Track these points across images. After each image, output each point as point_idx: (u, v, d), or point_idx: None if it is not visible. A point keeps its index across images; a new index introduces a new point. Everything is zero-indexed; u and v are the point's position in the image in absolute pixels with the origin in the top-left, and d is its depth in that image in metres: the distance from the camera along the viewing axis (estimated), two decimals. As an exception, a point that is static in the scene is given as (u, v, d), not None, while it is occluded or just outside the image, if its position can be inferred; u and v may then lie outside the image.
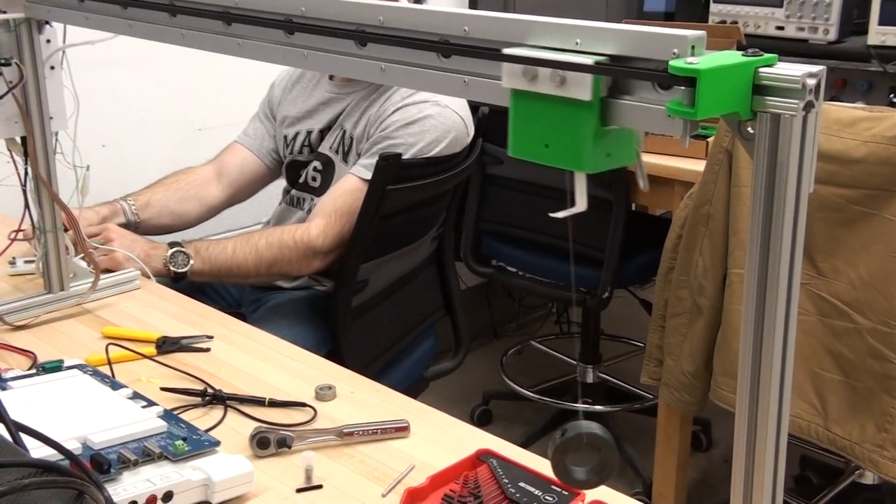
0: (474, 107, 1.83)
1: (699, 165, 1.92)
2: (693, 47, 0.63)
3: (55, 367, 1.12)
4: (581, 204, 0.68)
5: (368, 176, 1.66)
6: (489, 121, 1.85)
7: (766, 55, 0.64)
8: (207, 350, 1.27)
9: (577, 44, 0.67)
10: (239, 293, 1.88)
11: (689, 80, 0.61)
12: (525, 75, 0.68)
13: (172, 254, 1.60)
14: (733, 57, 0.63)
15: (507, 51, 0.70)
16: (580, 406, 2.64)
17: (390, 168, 1.61)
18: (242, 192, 1.96)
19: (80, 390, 1.06)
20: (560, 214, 0.69)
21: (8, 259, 1.50)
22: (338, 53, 0.86)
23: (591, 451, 0.79)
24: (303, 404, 1.12)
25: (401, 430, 1.06)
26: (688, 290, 1.87)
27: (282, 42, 0.91)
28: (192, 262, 1.60)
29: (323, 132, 1.84)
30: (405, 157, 1.65)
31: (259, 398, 1.13)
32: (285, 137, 1.91)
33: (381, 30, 0.81)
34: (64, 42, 1.34)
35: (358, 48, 0.84)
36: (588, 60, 0.66)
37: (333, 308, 1.69)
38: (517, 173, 2.33)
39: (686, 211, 1.89)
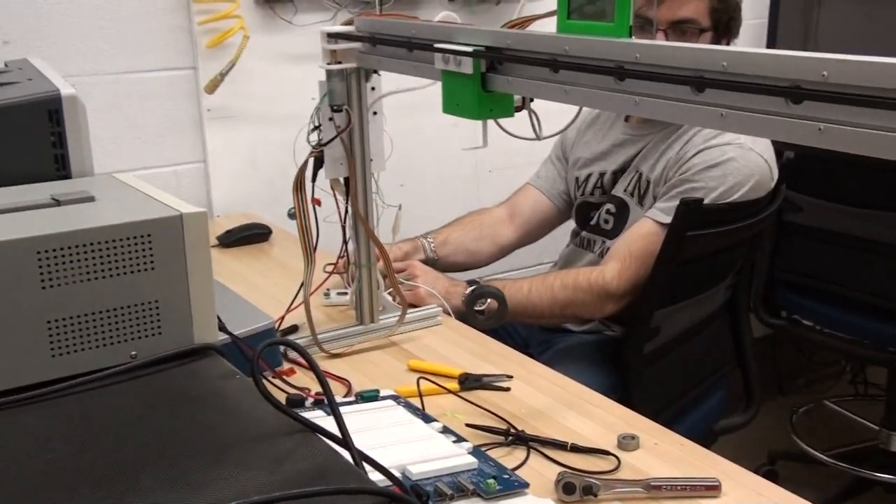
0: (779, 150, 1.74)
1: None
2: None
3: (372, 396, 1.18)
4: (484, 143, 1.13)
5: (666, 220, 1.62)
6: (793, 165, 1.75)
7: None
8: (507, 389, 1.29)
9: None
10: (527, 333, 1.90)
11: None
12: (444, 61, 1.10)
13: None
14: None
15: (437, 45, 1.12)
16: (884, 476, 2.41)
17: (691, 213, 1.57)
18: (533, 234, 1.99)
19: (395, 420, 1.11)
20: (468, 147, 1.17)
21: (323, 291, 1.60)
22: (671, 100, 0.85)
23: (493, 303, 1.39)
24: (606, 452, 1.10)
25: (711, 489, 1.01)
26: None
27: (611, 88, 0.91)
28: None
29: (617, 174, 1.83)
30: (706, 201, 1.60)
31: (561, 442, 1.12)
32: (577, 179, 1.92)
33: (722, 75, 0.79)
34: (382, 90, 1.43)
35: (694, 94, 0.82)
36: (469, 49, 1.06)
37: (625, 354, 1.66)
38: (819, 222, 2.18)
39: None
